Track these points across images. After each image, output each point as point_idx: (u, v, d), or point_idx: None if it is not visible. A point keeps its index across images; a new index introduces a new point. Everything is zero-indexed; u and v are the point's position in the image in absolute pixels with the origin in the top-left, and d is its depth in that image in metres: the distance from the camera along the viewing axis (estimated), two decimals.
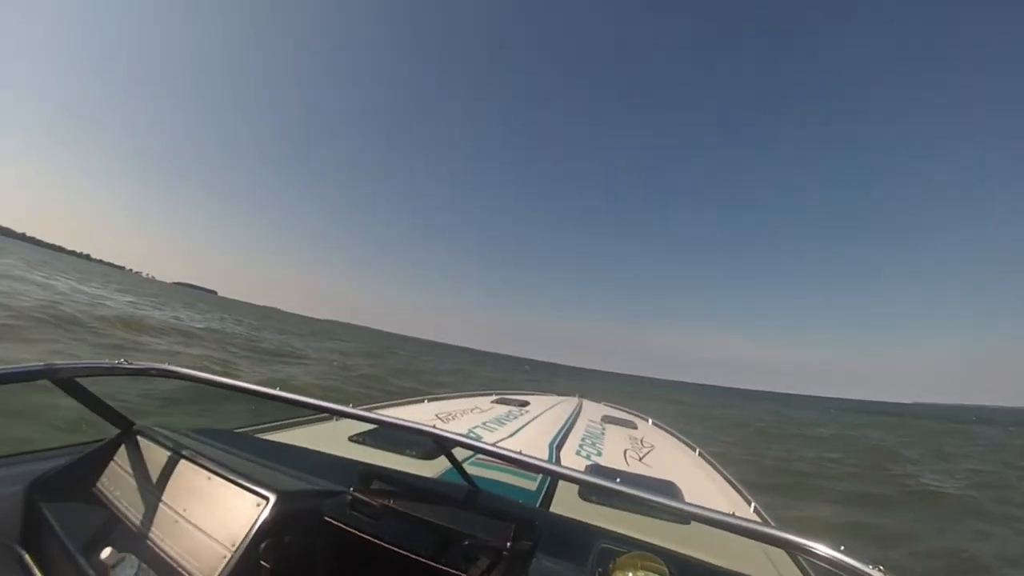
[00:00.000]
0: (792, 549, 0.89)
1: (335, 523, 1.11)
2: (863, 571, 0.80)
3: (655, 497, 0.98)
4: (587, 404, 4.92)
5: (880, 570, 0.79)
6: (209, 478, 1.14)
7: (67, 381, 1.26)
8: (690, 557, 1.21)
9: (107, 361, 1.32)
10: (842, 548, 0.83)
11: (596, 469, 2.26)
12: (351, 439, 2.08)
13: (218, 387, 1.28)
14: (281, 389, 1.26)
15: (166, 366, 1.35)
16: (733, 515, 0.94)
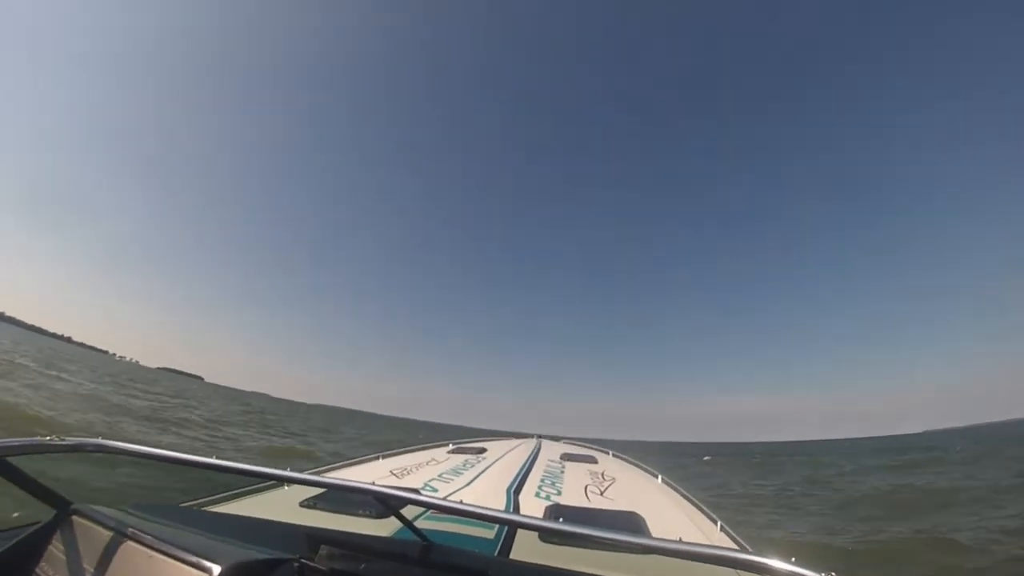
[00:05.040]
0: (741, 567, 0.93)
1: None
2: None
3: (608, 534, 1.01)
4: (546, 444, 4.80)
5: None
6: (151, 556, 1.11)
7: None
8: None
9: (37, 438, 1.25)
10: (793, 560, 0.91)
11: (556, 509, 2.17)
12: (302, 504, 1.99)
13: (158, 460, 1.22)
14: (221, 458, 1.22)
15: (100, 440, 1.28)
16: (680, 540, 1.02)
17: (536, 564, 1.32)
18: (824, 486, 15.00)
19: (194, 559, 1.08)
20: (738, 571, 1.09)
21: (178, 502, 1.98)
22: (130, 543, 1.15)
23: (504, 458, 3.56)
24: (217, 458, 1.21)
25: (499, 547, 1.64)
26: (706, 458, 37.54)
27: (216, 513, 1.85)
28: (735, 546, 2.11)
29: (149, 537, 1.15)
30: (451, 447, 4.13)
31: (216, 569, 1.04)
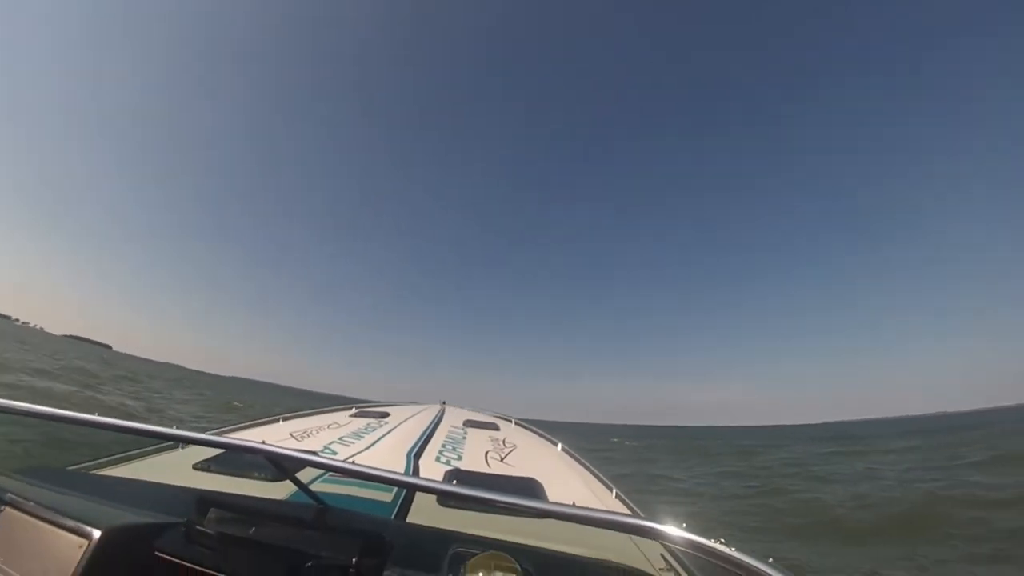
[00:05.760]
0: (634, 532, 1.00)
1: (168, 557, 1.06)
2: (708, 546, 0.94)
3: (504, 497, 1.04)
4: (449, 410, 4.83)
5: (722, 542, 0.92)
6: (30, 522, 1.07)
7: None
8: (548, 550, 1.18)
9: None
10: (684, 526, 0.96)
11: (455, 474, 2.18)
12: (195, 467, 1.87)
13: (37, 417, 1.10)
14: (117, 417, 1.10)
15: None
16: (574, 505, 1.05)
17: (433, 527, 1.27)
18: (783, 475, 11.37)
19: (72, 523, 1.04)
20: (630, 536, 1.10)
21: (65, 465, 1.83)
22: (8, 509, 1.09)
23: (406, 423, 3.57)
24: (98, 415, 1.11)
25: (396, 510, 1.60)
26: (614, 439, 34.42)
27: (105, 476, 1.71)
28: (628, 512, 2.11)
29: (30, 503, 1.08)
30: (354, 410, 4.09)
31: (96, 533, 1.03)
